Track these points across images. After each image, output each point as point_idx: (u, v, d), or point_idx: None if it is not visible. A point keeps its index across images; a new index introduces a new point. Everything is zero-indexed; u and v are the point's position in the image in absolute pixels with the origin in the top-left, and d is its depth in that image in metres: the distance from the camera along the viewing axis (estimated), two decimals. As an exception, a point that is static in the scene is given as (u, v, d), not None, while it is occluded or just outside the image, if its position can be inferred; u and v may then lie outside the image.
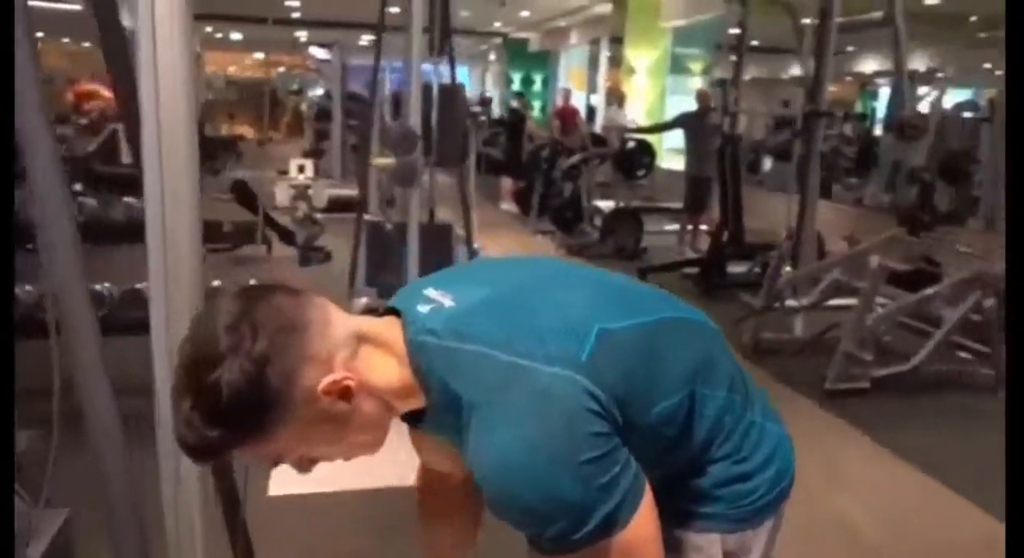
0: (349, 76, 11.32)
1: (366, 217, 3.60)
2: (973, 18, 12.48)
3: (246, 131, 18.19)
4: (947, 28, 11.16)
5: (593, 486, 0.83)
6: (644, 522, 0.87)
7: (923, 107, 9.61)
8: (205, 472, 1.00)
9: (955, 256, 4.42)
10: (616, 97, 9.43)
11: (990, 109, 9.65)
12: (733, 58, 6.35)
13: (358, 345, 0.90)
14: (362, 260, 3.65)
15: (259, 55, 23.75)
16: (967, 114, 9.78)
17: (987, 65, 18.24)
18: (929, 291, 4.03)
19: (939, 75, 12.74)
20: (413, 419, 0.97)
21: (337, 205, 8.07)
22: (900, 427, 3.53)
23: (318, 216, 7.42)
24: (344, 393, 0.87)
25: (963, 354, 4.29)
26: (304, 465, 0.93)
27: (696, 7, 10.48)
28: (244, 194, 6.12)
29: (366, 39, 18.13)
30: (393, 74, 6.15)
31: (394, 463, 2.88)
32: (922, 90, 10.82)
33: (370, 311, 1.54)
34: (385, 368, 0.91)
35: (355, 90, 12.98)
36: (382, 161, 3.22)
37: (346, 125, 10.61)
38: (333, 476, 2.79)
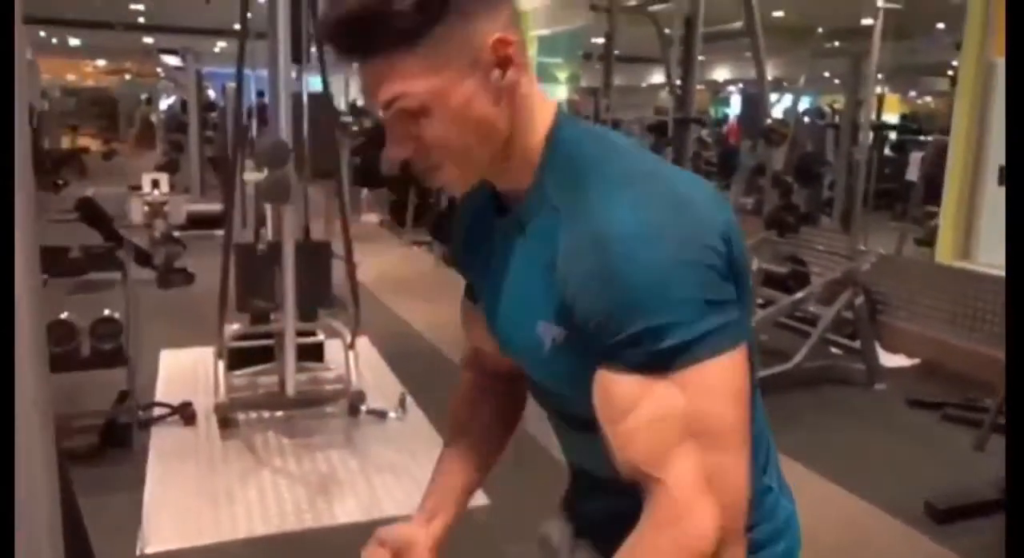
0: (204, 84, 10.72)
1: (235, 238, 3.33)
2: (820, 30, 13.31)
3: (90, 144, 16.93)
4: (795, 39, 11.89)
5: (706, 295, 0.73)
6: (740, 365, 0.75)
7: (775, 113, 10.13)
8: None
9: (817, 255, 4.61)
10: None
11: (833, 115, 10.32)
12: (598, 66, 6.43)
13: (524, 70, 0.83)
14: (232, 283, 3.37)
15: (101, 62, 22.25)
16: (807, 120, 10.44)
17: (826, 73, 19.63)
18: (802, 293, 4.18)
19: (785, 84, 13.55)
20: (499, 210, 0.89)
21: (198, 222, 7.59)
22: (786, 425, 3.61)
23: (177, 234, 6.94)
24: (505, 62, 0.79)
25: (835, 350, 4.48)
26: (401, 136, 0.81)
27: (561, 17, 10.60)
28: (92, 213, 5.61)
29: (220, 46, 17.33)
30: (256, 83, 5.82)
31: (263, 513, 2.65)
32: (772, 97, 11.43)
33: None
34: (531, 106, 0.84)
35: (211, 99, 12.31)
36: (252, 176, 2.98)
37: (203, 136, 10.04)
38: (207, 529, 2.54)
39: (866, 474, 3.12)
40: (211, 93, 12.56)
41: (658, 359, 0.72)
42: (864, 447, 3.46)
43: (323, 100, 3.72)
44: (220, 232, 5.19)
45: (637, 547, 0.75)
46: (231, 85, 8.48)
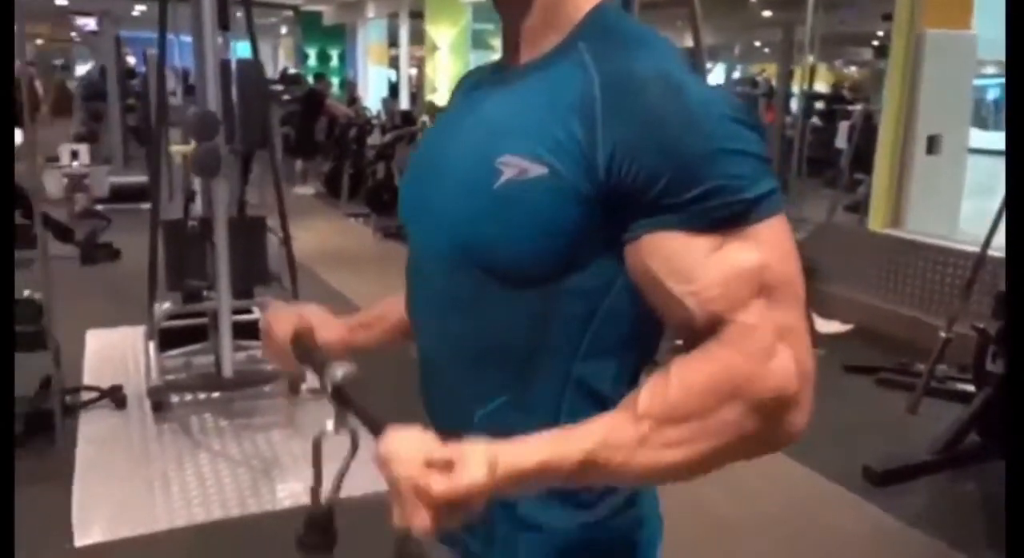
0: (123, 50, 10.23)
1: (163, 213, 3.17)
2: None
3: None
4: (727, 8, 11.94)
5: (764, 154, 0.72)
6: (789, 228, 0.74)
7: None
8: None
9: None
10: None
11: (767, 85, 10.46)
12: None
13: None
14: (161, 261, 3.22)
15: (10, 25, 20.94)
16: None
17: (756, 43, 19.90)
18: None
19: (705, 55, 13.64)
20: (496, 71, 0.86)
21: (121, 195, 7.26)
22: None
23: (99, 208, 6.64)
24: None
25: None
26: None
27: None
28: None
29: (139, 9, 16.52)
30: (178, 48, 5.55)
31: (203, 499, 2.55)
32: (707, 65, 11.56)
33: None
34: None
35: (131, 65, 11.75)
36: (180, 148, 2.83)
37: (124, 105, 9.59)
38: (142, 518, 2.44)
39: (807, 440, 3.16)
40: (131, 59, 12.00)
41: (734, 212, 0.69)
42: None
43: (252, 67, 3.55)
44: (146, 205, 4.99)
45: (718, 365, 0.68)
46: (153, 51, 8.10)
